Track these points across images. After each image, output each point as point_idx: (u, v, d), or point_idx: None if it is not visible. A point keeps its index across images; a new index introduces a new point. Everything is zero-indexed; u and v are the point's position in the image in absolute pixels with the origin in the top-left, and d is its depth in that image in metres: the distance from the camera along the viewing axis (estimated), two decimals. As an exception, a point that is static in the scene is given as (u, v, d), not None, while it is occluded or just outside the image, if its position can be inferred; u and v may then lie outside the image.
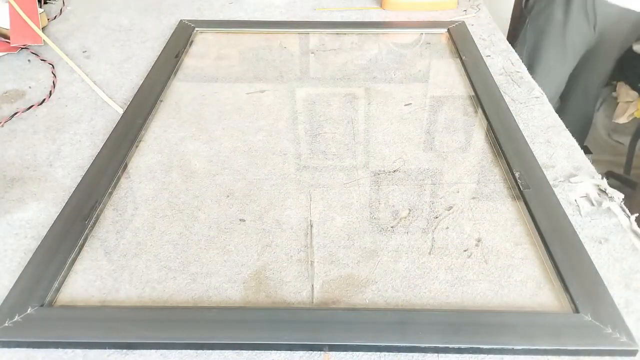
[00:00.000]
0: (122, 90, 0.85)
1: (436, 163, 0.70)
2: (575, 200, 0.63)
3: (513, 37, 1.56)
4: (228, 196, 0.64)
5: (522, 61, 0.92)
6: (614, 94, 1.62)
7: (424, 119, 0.78)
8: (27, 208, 0.62)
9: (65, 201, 0.61)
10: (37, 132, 0.75)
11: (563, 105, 1.62)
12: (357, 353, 0.47)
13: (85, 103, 0.81)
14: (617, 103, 1.59)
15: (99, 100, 0.82)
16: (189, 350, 0.47)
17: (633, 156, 1.59)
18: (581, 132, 1.64)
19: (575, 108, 1.60)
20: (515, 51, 0.95)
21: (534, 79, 0.85)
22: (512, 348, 0.46)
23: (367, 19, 1.08)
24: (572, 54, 1.44)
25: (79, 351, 0.47)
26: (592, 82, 1.60)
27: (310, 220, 0.61)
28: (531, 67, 1.44)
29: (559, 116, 0.76)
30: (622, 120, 1.56)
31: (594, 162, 0.69)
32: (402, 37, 1.04)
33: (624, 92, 1.57)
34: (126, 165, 0.68)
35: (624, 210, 0.61)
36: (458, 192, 0.65)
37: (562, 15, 1.37)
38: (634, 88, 1.53)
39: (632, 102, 1.54)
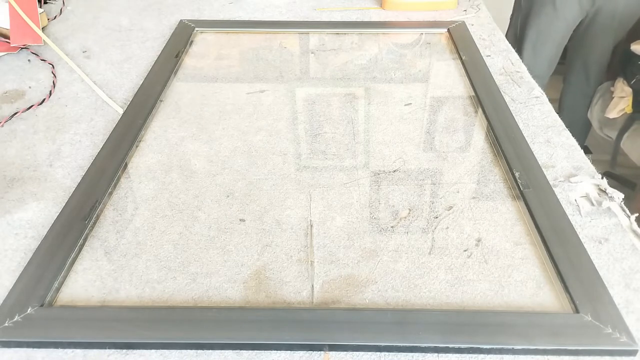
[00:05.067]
0: (122, 90, 0.85)
1: (436, 163, 0.70)
2: (575, 200, 0.63)
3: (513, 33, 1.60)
4: (228, 196, 0.64)
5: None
6: (612, 88, 1.64)
7: (424, 119, 0.78)
8: (27, 208, 0.62)
9: (65, 201, 0.61)
10: (37, 132, 0.75)
11: (565, 87, 1.66)
12: (357, 353, 0.47)
13: (85, 103, 0.81)
14: (612, 98, 1.61)
15: (99, 100, 0.82)
16: (189, 350, 0.47)
17: (618, 150, 1.61)
18: (582, 113, 1.68)
19: (576, 88, 1.63)
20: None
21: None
22: (512, 348, 0.46)
23: (367, 19, 1.08)
24: (563, 20, 1.50)
25: (79, 351, 0.47)
26: (591, 60, 1.64)
27: (310, 220, 0.61)
28: (523, 31, 1.50)
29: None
30: (613, 114, 1.59)
31: (593, 162, 0.69)
32: (402, 37, 1.04)
33: (620, 87, 1.60)
34: (126, 165, 0.68)
35: (624, 210, 0.61)
36: (458, 192, 0.65)
37: None
38: (629, 85, 1.56)
39: (624, 97, 1.56)
